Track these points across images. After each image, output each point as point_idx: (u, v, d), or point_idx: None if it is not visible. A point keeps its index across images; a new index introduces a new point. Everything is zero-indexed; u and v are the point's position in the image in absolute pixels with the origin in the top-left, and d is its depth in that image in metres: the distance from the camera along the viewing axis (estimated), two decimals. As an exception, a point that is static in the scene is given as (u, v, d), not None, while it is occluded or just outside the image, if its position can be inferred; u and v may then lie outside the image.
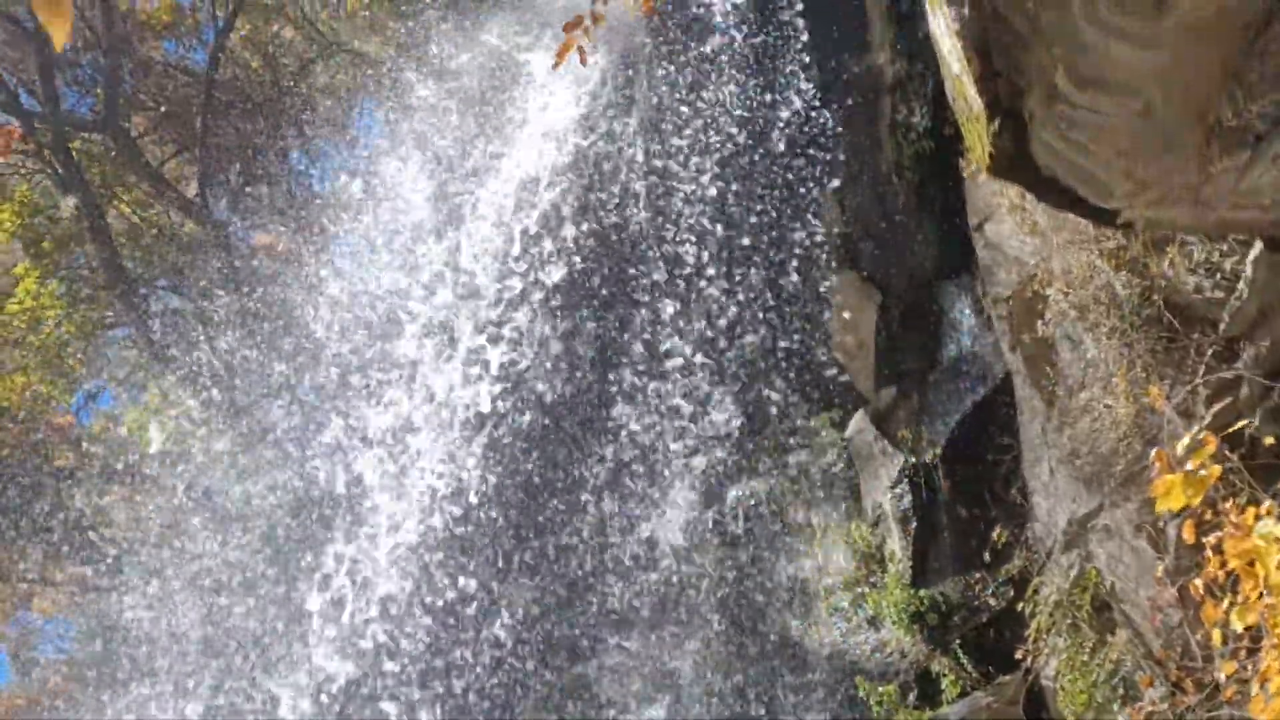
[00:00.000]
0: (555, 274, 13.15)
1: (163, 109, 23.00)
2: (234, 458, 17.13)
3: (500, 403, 12.95)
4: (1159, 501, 4.59)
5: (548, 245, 13.21)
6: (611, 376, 12.96)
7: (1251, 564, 5.40)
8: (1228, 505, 5.49)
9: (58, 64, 20.85)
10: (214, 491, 17.36)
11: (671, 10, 13.29)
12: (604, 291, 13.15)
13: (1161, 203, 6.40)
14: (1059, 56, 5.71)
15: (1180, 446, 4.52)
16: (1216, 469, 4.54)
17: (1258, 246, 7.75)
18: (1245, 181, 6.07)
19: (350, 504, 13.75)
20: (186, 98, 22.93)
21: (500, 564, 12.91)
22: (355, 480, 13.74)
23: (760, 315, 12.48)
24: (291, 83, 23.64)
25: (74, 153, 20.39)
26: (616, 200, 13.26)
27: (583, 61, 5.32)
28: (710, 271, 12.67)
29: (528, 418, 13.02)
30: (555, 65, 5.31)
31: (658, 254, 12.89)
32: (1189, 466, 4.55)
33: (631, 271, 13.05)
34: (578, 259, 13.14)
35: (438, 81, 15.40)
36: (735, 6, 13.15)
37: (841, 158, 12.36)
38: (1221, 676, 6.98)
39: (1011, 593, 10.76)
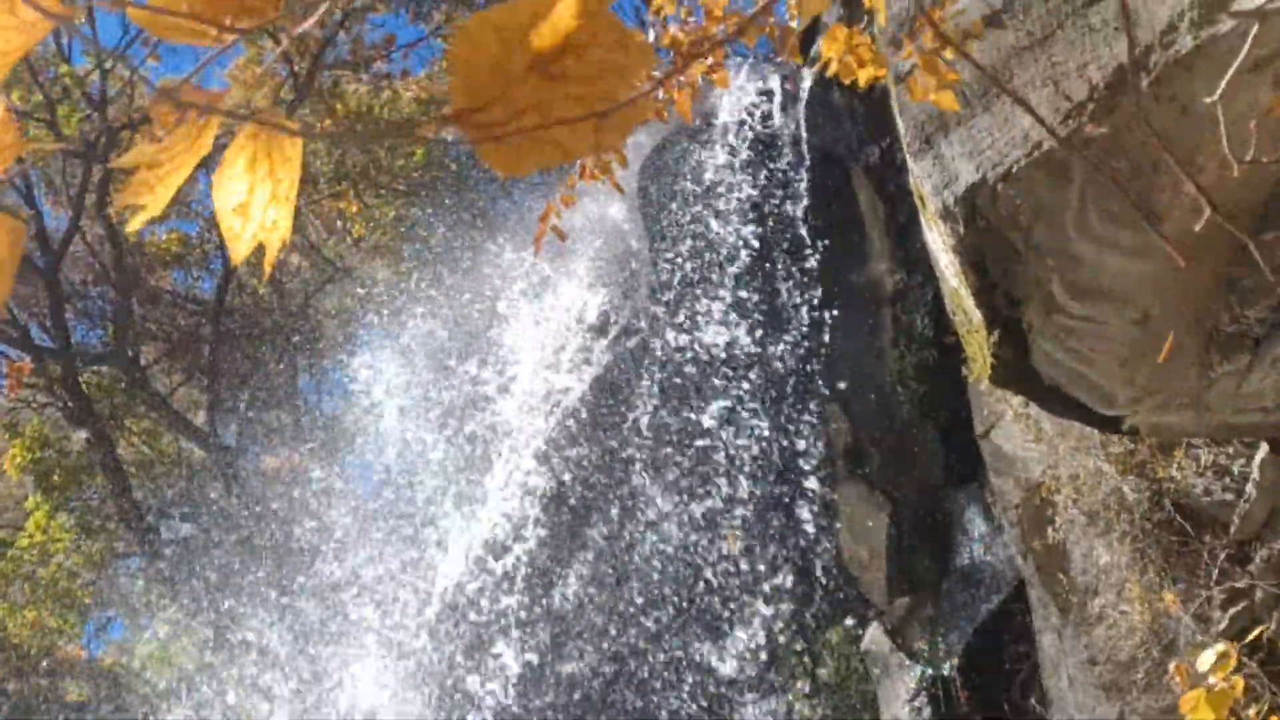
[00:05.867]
0: (551, 488, 13.24)
1: (172, 338, 23.25)
2: (252, 685, 16.96)
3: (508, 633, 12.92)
4: (1189, 715, 4.53)
5: (543, 483, 13.36)
6: (628, 592, 12.92)
7: (1276, 773, 5.30)
8: (1250, 713, 5.42)
9: (67, 297, 21.15)
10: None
11: (669, 243, 13.54)
12: (612, 508, 13.18)
13: (1165, 409, 6.42)
14: (1054, 268, 5.78)
15: (1202, 660, 4.47)
16: (1240, 681, 4.49)
17: (1263, 449, 7.75)
18: (1246, 386, 6.10)
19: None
20: (195, 326, 23.22)
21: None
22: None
23: (769, 529, 12.46)
24: (298, 308, 23.94)
25: (84, 385, 20.57)
26: (622, 417, 13.35)
27: (561, 239, 5.43)
28: (719, 488, 12.69)
29: (535, 638, 12.96)
30: (535, 250, 5.41)
31: (665, 476, 12.95)
32: (1211, 680, 4.51)
33: (635, 483, 13.09)
34: (575, 478, 13.22)
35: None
36: (737, 215, 13.38)
37: (845, 369, 12.46)
38: None
39: (1035, 806, 10.56)
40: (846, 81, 4.32)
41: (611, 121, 1.27)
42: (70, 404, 20.10)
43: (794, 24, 4.84)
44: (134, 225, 1.49)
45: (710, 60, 5.00)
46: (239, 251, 1.43)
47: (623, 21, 1.26)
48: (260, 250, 1.45)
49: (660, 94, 5.04)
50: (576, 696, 12.85)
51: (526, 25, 1.23)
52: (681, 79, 5.02)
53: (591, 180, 5.16)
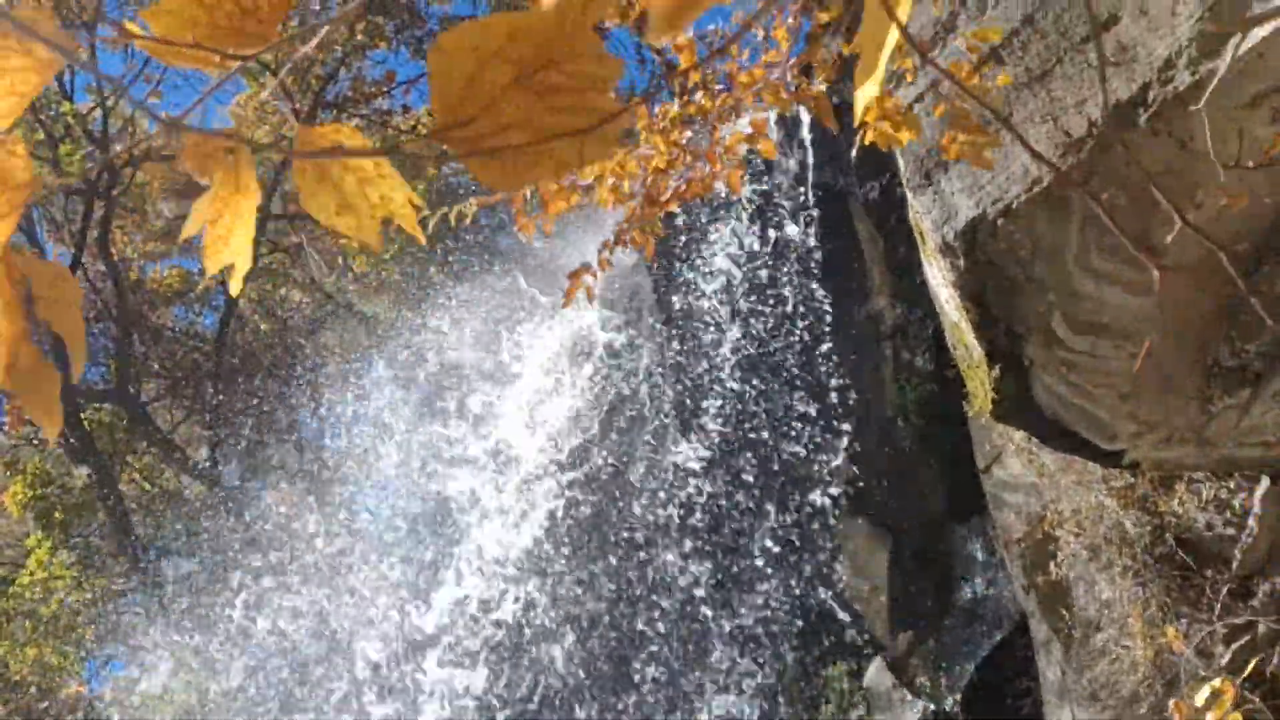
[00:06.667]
0: (565, 520, 13.23)
1: (173, 374, 23.22)
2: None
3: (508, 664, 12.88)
4: (1189, 752, 4.53)
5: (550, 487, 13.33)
6: (629, 626, 12.89)
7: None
8: (1253, 748, 5.41)
9: (69, 334, 21.13)
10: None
11: (673, 287, 13.57)
12: (612, 534, 13.17)
13: (1166, 443, 6.42)
14: (1055, 303, 5.79)
15: (1199, 697, 4.46)
16: (1237, 716, 4.47)
17: (1264, 483, 7.74)
18: (1247, 420, 6.10)
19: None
20: (196, 362, 23.19)
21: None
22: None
23: (772, 565, 12.44)
24: (300, 344, 23.92)
25: (85, 422, 20.55)
26: (626, 447, 13.35)
27: (590, 298, 5.44)
28: (721, 523, 12.68)
29: (542, 675, 12.93)
30: (565, 304, 5.41)
31: (669, 504, 12.94)
32: (1210, 716, 4.49)
33: (637, 515, 13.09)
34: (584, 505, 13.21)
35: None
36: (736, 261, 13.40)
37: (847, 405, 12.45)
38: None
39: (1039, 842, 10.51)
40: (884, 147, 4.31)
41: (598, 135, 1.28)
42: (72, 441, 20.09)
43: (823, 87, 4.82)
44: (236, 286, 1.54)
45: (750, 130, 5.00)
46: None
47: (598, 35, 1.28)
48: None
49: (708, 168, 5.05)
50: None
51: (504, 39, 1.24)
52: (720, 149, 5.03)
53: (634, 246, 5.17)
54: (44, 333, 1.50)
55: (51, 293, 1.45)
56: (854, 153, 12.89)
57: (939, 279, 6.29)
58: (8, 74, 1.33)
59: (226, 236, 1.49)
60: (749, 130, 5.01)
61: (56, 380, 1.46)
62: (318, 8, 18.21)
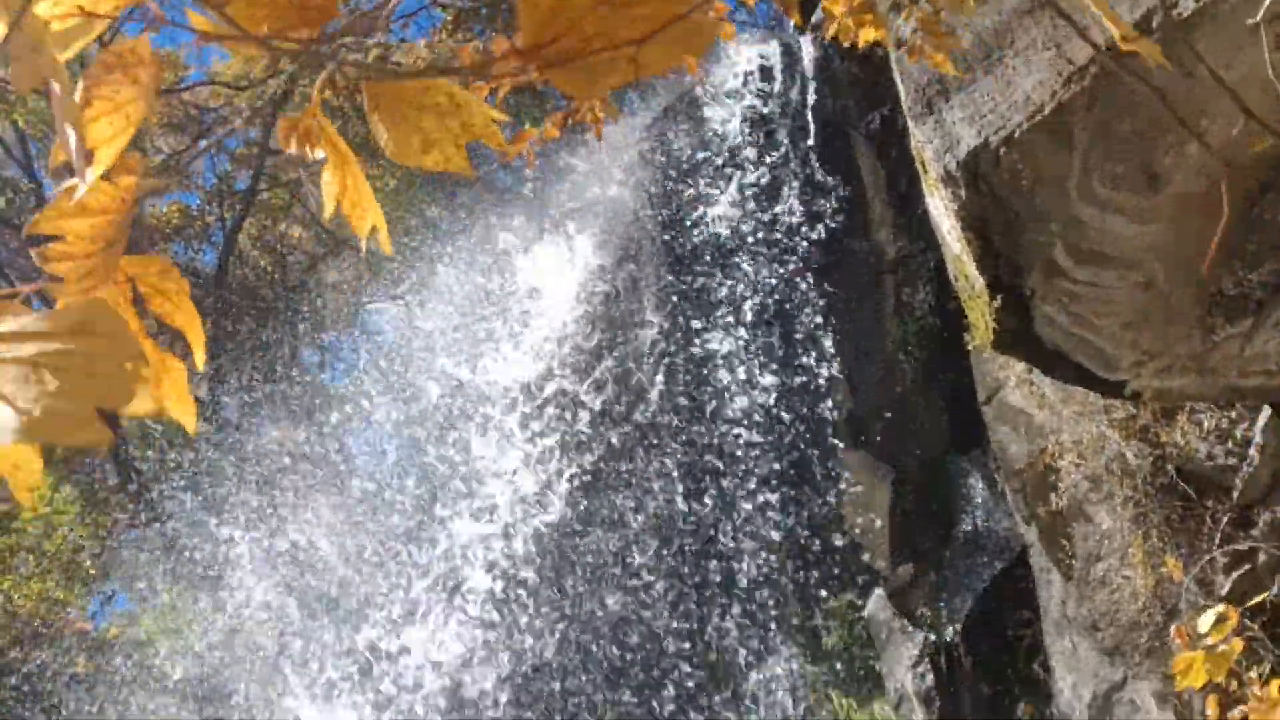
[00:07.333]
0: (569, 469, 13.22)
1: (173, 311, 23.18)
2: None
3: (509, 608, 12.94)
4: (1179, 679, 4.51)
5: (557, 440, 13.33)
6: (630, 559, 12.93)
7: (1279, 736, 5.29)
8: (1251, 676, 5.41)
9: (70, 272, 21.08)
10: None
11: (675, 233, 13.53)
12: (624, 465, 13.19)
13: (1168, 372, 6.41)
14: (1057, 233, 5.76)
15: (1202, 622, 4.46)
16: (1238, 643, 4.47)
17: (1266, 413, 7.74)
18: (1249, 349, 6.09)
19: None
20: (196, 299, 23.13)
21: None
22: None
23: (773, 498, 12.45)
24: (300, 280, 23.87)
25: (85, 358, 20.56)
26: (631, 392, 13.35)
27: (530, 165, 5.43)
28: (722, 457, 12.69)
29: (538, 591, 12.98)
30: (507, 159, 5.39)
31: (674, 441, 12.95)
32: (1210, 641, 4.49)
33: (645, 445, 13.11)
34: (595, 453, 13.21)
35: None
36: (739, 192, 13.36)
37: (848, 338, 12.44)
38: None
39: (1039, 771, 10.58)
40: (846, 43, 4.28)
41: (663, 38, 1.28)
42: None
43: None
44: (387, 244, 1.63)
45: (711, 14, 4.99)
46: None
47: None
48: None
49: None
50: (580, 652, 12.87)
51: None
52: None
53: (581, 121, 5.14)
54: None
55: (161, 287, 1.49)
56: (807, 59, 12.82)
57: (941, 209, 6.26)
58: (120, 107, 1.36)
59: (359, 201, 1.57)
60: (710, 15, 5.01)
61: (183, 371, 1.52)
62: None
